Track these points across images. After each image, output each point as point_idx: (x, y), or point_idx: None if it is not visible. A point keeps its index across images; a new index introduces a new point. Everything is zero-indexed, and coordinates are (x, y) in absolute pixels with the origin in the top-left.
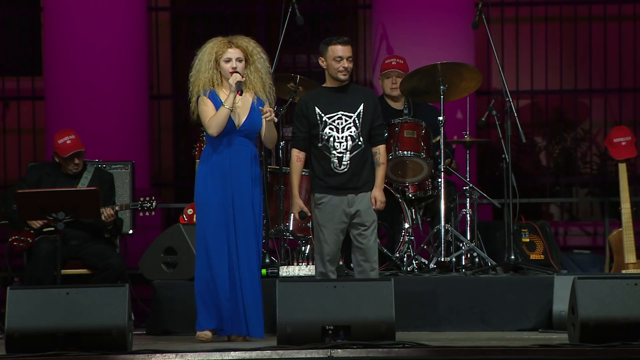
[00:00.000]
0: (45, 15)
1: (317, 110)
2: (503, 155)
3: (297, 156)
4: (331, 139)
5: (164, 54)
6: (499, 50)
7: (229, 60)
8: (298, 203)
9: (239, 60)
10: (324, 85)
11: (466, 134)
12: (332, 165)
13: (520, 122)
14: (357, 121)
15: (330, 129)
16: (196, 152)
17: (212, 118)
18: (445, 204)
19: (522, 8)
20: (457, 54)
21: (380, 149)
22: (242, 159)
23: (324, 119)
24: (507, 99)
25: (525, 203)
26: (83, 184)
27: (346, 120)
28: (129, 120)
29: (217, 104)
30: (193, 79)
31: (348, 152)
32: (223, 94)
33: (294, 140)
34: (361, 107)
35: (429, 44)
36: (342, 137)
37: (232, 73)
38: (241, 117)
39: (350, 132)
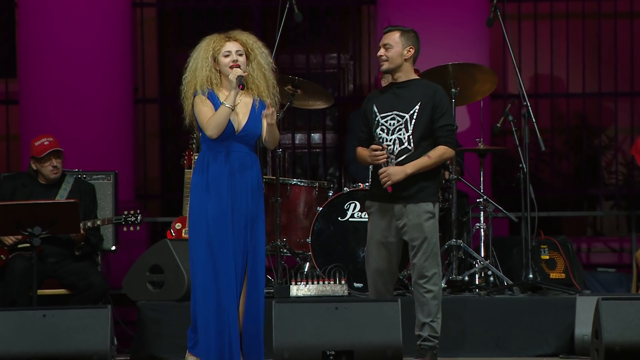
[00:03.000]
0: (20, 12)
1: (375, 108)
2: (520, 165)
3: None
4: (381, 140)
5: (150, 54)
6: (515, 49)
7: (228, 54)
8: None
9: (239, 53)
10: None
11: (480, 142)
12: (380, 170)
13: (539, 128)
14: (408, 123)
15: (381, 129)
16: (185, 161)
17: (211, 118)
18: (457, 217)
19: (540, 3)
20: (470, 53)
21: (438, 148)
22: (243, 167)
23: (377, 119)
24: (525, 103)
25: (544, 217)
26: (62, 196)
27: (398, 122)
28: (112, 127)
29: (217, 105)
30: (188, 79)
31: (394, 157)
32: (223, 96)
33: (357, 139)
34: (417, 107)
35: (439, 42)
36: (391, 140)
37: (232, 67)
38: (241, 121)
39: (400, 134)
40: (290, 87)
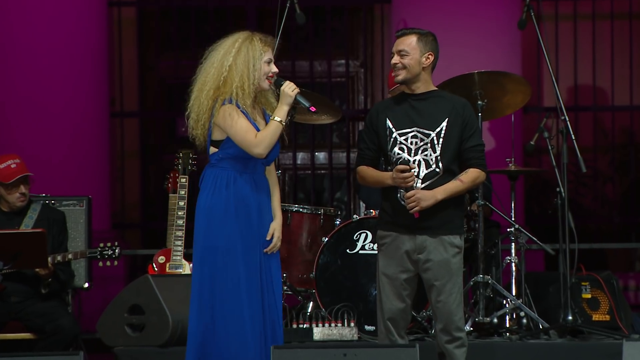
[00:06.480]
0: None
1: (389, 123)
2: (558, 189)
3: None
4: (399, 162)
5: (128, 61)
6: (552, 55)
7: (270, 62)
8: (388, 175)
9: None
10: (404, 91)
11: (511, 162)
12: (399, 195)
13: (579, 147)
14: (435, 142)
15: (400, 148)
16: (169, 184)
17: (264, 134)
18: (485, 250)
19: (581, 2)
20: (499, 60)
21: (470, 171)
22: (265, 193)
23: (394, 135)
24: (563, 117)
25: (586, 249)
26: (27, 225)
27: (422, 140)
28: (84, 145)
29: (250, 120)
30: (235, 80)
31: (420, 181)
32: (249, 109)
33: (357, 157)
34: (444, 124)
35: (463, 47)
36: (415, 161)
37: (271, 77)
38: None
39: (426, 155)
40: None
